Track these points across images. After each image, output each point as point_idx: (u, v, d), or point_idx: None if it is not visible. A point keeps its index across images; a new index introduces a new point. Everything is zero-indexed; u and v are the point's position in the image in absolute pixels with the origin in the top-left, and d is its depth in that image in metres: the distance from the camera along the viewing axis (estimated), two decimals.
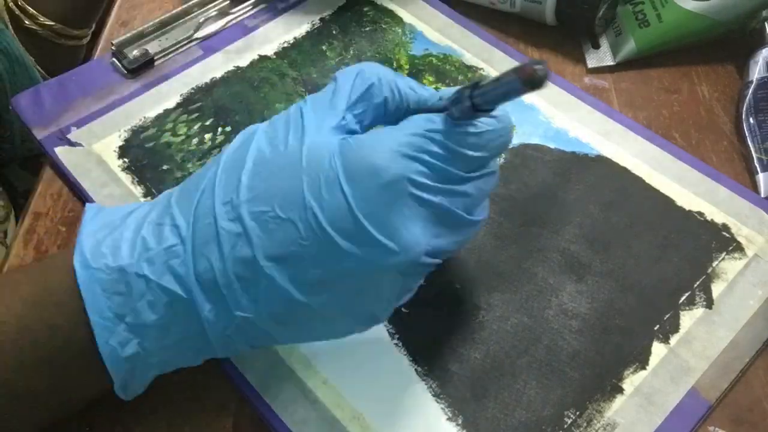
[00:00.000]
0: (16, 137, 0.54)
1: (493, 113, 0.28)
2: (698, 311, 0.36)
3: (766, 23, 0.47)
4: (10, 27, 0.51)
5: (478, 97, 0.26)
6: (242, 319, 0.27)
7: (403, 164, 0.26)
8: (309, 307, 0.27)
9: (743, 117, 0.45)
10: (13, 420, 0.28)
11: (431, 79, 0.47)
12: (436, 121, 0.27)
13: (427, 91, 0.30)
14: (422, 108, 0.29)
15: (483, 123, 0.27)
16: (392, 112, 0.29)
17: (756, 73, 0.46)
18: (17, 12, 0.51)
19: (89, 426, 0.33)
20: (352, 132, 0.28)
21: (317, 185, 0.26)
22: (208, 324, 0.27)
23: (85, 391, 0.30)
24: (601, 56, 0.50)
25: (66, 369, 0.28)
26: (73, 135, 0.43)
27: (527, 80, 0.23)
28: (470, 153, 0.27)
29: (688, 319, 0.36)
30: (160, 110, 0.45)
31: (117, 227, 0.29)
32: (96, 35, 0.53)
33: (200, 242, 0.27)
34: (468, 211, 0.28)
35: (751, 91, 0.45)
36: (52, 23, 0.52)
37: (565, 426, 0.32)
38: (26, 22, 0.51)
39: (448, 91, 0.29)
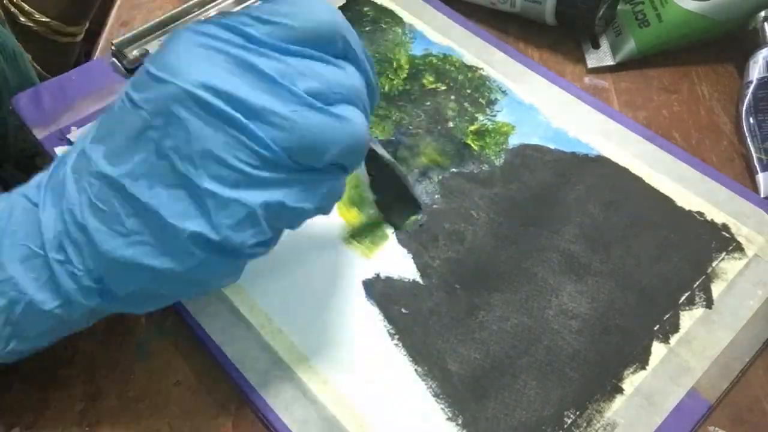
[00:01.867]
0: (10, 136, 0.54)
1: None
2: (698, 311, 0.36)
3: (766, 23, 0.47)
4: (6, 24, 0.51)
5: None
6: (68, 219, 0.27)
7: (194, 25, 0.26)
8: (120, 185, 0.26)
9: (743, 117, 0.45)
10: None
11: (431, 78, 0.47)
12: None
13: None
14: None
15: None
16: None
17: (756, 73, 0.46)
18: (12, 9, 0.51)
19: (89, 426, 0.33)
20: None
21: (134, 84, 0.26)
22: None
23: None
24: (601, 56, 0.50)
25: None
26: (73, 135, 0.43)
27: None
28: (280, 20, 0.26)
29: (688, 319, 0.36)
30: None
31: None
32: (96, 35, 0.53)
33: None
34: (290, 82, 0.25)
35: (751, 91, 0.45)
36: (48, 20, 0.52)
37: (565, 426, 0.32)
38: (21, 18, 0.51)
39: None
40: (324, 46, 0.27)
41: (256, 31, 0.25)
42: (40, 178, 0.29)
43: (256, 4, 0.28)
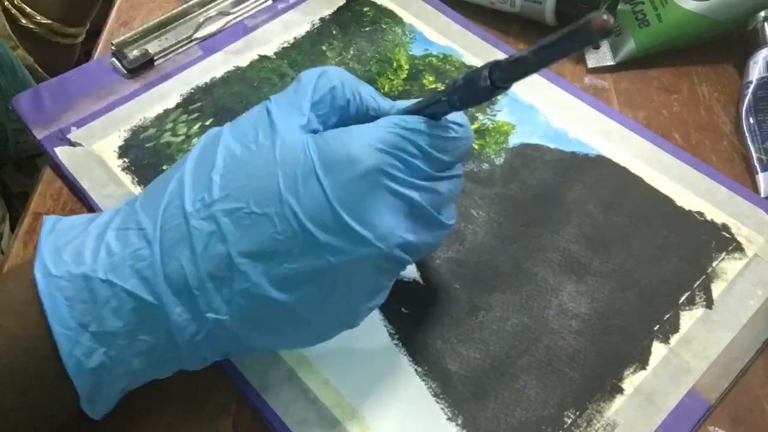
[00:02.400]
0: (10, 141, 0.54)
1: (459, 122, 0.29)
2: (698, 311, 0.36)
3: (766, 23, 0.47)
4: (7, 26, 0.51)
5: (501, 72, 0.25)
6: (214, 323, 0.27)
7: (378, 156, 0.26)
8: (282, 306, 0.27)
9: (743, 117, 0.45)
10: None
11: (431, 78, 0.47)
12: (409, 121, 0.28)
13: (387, 102, 0.30)
14: (381, 117, 0.30)
15: (453, 129, 0.28)
16: (353, 117, 0.30)
17: (756, 73, 0.46)
18: (13, 11, 0.51)
19: (89, 426, 0.33)
20: (316, 132, 0.28)
21: (293, 178, 0.26)
22: (178, 329, 0.27)
23: (53, 409, 0.28)
24: (601, 56, 0.50)
25: (31, 382, 0.27)
26: (73, 135, 0.43)
27: (598, 31, 0.21)
28: (440, 155, 0.28)
29: (688, 319, 0.36)
30: (160, 110, 0.45)
31: (78, 235, 0.28)
32: (96, 35, 0.53)
33: (169, 243, 0.27)
34: (438, 211, 0.29)
35: (751, 91, 0.45)
36: (48, 21, 0.52)
37: (565, 426, 0.32)
38: (23, 20, 0.51)
39: (404, 103, 0.30)
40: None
41: (428, 166, 0.28)
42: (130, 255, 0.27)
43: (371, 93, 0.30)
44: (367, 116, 0.30)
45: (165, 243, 0.27)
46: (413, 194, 0.27)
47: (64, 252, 0.27)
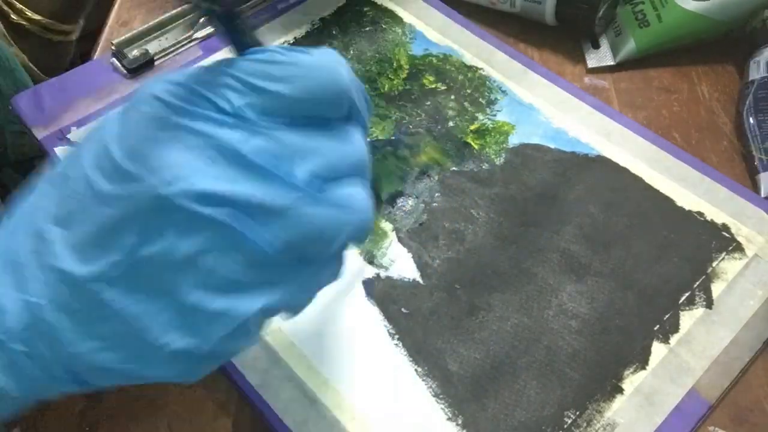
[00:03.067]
0: (9, 142, 0.54)
1: (306, 51, 0.23)
2: (698, 311, 0.36)
3: (766, 23, 0.47)
4: (0, 24, 0.51)
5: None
6: (34, 308, 0.22)
7: (164, 88, 0.22)
8: (86, 289, 0.22)
9: (743, 117, 0.45)
10: None
11: (431, 78, 0.47)
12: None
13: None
14: None
15: (288, 56, 0.22)
16: None
17: (756, 73, 0.46)
18: (4, 7, 0.51)
19: (89, 426, 0.33)
20: None
21: (92, 134, 0.23)
22: (1, 311, 0.22)
23: None
24: (601, 56, 0.50)
25: None
26: (73, 135, 0.43)
27: None
28: (266, 84, 0.22)
29: (688, 319, 0.36)
30: None
31: None
32: (96, 35, 0.53)
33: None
34: (286, 169, 0.22)
35: (751, 91, 0.45)
36: (40, 18, 0.52)
37: (565, 426, 0.32)
38: (13, 17, 0.51)
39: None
40: (324, 111, 0.23)
41: (243, 102, 0.21)
42: None
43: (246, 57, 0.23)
44: None
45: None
46: (218, 132, 0.21)
47: None
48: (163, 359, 0.22)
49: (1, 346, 0.22)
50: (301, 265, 0.23)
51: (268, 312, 0.23)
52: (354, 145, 0.23)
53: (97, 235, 0.22)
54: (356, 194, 0.23)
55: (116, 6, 0.55)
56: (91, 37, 0.55)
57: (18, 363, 0.23)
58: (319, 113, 0.23)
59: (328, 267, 0.24)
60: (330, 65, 0.23)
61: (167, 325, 0.22)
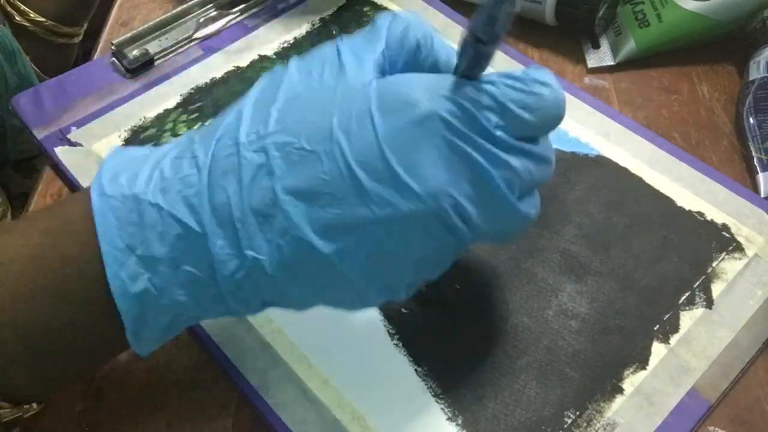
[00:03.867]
0: (9, 139, 0.54)
1: (543, 80, 0.26)
2: (698, 311, 0.36)
3: (766, 23, 0.47)
4: (6, 23, 0.51)
5: (477, 29, 0.24)
6: (253, 262, 0.25)
7: (439, 102, 0.24)
8: (321, 257, 0.25)
9: (743, 117, 0.45)
10: (28, 363, 0.27)
11: None
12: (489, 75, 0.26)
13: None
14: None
15: (535, 87, 0.26)
16: (422, 64, 0.28)
17: (756, 73, 0.46)
18: (9, 9, 0.51)
19: (89, 426, 0.33)
20: (385, 74, 0.27)
21: (347, 117, 0.25)
22: (218, 263, 0.26)
23: (100, 339, 0.28)
24: (601, 56, 0.50)
25: (78, 304, 0.27)
26: (73, 135, 0.43)
27: None
28: (520, 112, 0.25)
29: (688, 319, 0.36)
30: (160, 110, 0.45)
31: (138, 161, 0.28)
32: (96, 35, 0.53)
33: (219, 173, 0.26)
34: (511, 190, 0.26)
35: (751, 91, 0.45)
36: (43, 20, 0.52)
37: (565, 426, 0.32)
38: (17, 18, 0.51)
39: None
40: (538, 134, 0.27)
41: (498, 127, 0.25)
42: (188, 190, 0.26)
43: (491, 73, 0.26)
44: (435, 68, 0.28)
45: (214, 171, 0.26)
46: (475, 155, 0.25)
47: (122, 175, 0.27)
48: (365, 305, 0.29)
49: (215, 290, 0.26)
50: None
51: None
52: (549, 165, 0.28)
53: (347, 224, 0.25)
54: (535, 205, 0.29)
55: (116, 6, 0.55)
56: (91, 37, 0.55)
57: (224, 300, 0.27)
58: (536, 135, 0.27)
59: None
60: (562, 100, 0.27)
61: (378, 294, 0.27)
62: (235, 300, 0.27)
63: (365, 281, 0.26)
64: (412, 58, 0.27)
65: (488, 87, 0.25)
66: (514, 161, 0.25)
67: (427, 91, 0.25)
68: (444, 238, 0.26)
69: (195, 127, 0.44)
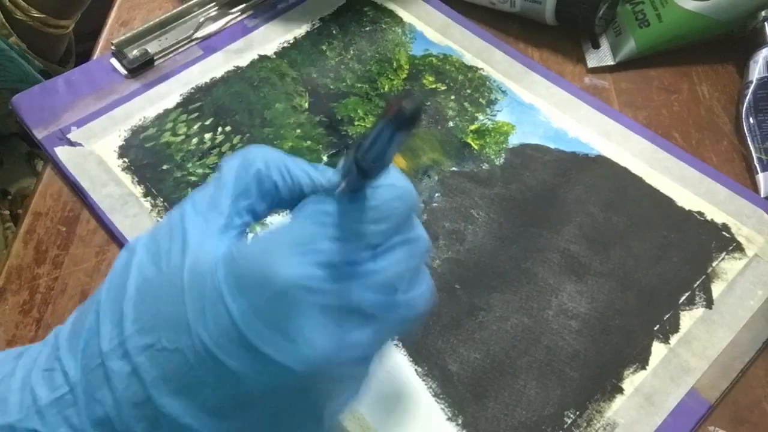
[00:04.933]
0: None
1: (389, 180, 0.25)
2: (698, 311, 0.36)
3: (766, 23, 0.47)
4: (2, 17, 0.52)
5: (362, 160, 0.22)
6: None
7: (294, 270, 0.23)
8: None
9: (743, 117, 0.45)
10: None
11: (431, 78, 0.47)
12: (327, 202, 0.24)
13: (324, 173, 0.27)
14: (318, 192, 0.26)
15: (379, 192, 0.25)
16: (287, 199, 0.26)
17: (756, 73, 0.46)
18: (9, 5, 0.52)
19: None
20: (244, 227, 0.26)
21: (200, 307, 0.23)
22: None
23: None
24: (601, 56, 0.50)
25: None
26: (73, 135, 0.43)
27: (395, 120, 0.19)
28: (372, 227, 0.24)
29: (688, 319, 0.36)
30: (160, 110, 0.45)
31: (5, 376, 0.26)
32: (96, 35, 0.53)
33: (92, 387, 0.24)
34: (387, 291, 0.25)
35: (751, 91, 0.45)
36: (41, 15, 0.53)
37: (565, 426, 0.32)
38: (18, 14, 0.52)
39: (338, 172, 0.26)
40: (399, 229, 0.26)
41: (361, 245, 0.24)
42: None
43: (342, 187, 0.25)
44: (302, 195, 0.26)
45: (88, 387, 0.24)
46: (342, 299, 0.24)
47: None
48: None
49: None
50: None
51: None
52: (420, 253, 0.26)
53: (233, 404, 0.24)
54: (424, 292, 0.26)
55: (116, 6, 0.55)
56: (91, 37, 0.55)
57: None
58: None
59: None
60: (409, 190, 0.26)
61: None
62: None
63: None
64: (276, 198, 0.26)
65: (338, 222, 0.24)
66: (381, 265, 0.24)
67: (288, 254, 0.23)
68: (352, 376, 0.25)
69: (195, 127, 0.44)
